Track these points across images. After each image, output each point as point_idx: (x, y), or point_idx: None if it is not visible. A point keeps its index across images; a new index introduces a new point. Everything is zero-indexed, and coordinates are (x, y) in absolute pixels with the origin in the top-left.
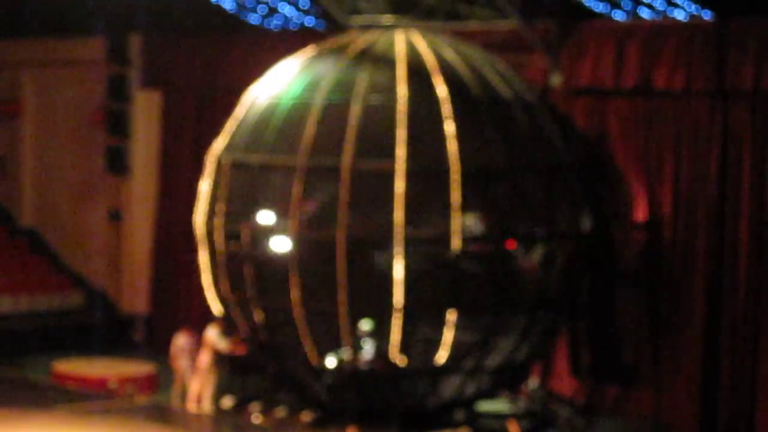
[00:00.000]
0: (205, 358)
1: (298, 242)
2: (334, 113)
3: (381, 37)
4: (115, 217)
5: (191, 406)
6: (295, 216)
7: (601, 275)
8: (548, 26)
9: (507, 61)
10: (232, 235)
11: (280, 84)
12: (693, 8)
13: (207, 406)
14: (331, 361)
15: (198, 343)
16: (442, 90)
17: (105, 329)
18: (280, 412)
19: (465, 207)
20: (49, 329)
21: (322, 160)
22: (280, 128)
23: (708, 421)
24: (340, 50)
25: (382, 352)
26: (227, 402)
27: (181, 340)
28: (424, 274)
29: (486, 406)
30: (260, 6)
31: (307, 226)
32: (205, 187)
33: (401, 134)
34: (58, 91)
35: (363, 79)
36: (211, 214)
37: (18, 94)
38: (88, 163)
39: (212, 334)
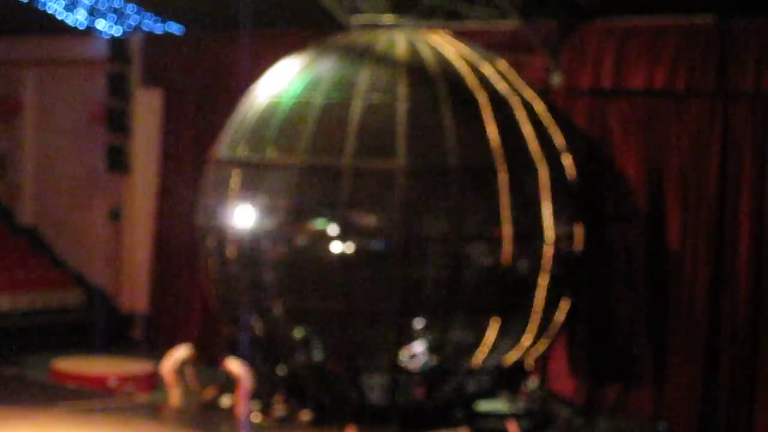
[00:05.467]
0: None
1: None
2: (334, 112)
3: (381, 37)
4: (115, 215)
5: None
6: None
7: (601, 275)
8: (549, 26)
9: (507, 60)
10: (231, 235)
11: (281, 83)
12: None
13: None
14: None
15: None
16: (442, 89)
17: (105, 327)
18: (280, 410)
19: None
20: (48, 327)
21: (322, 158)
22: (280, 127)
23: (708, 421)
24: (340, 49)
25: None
26: (226, 401)
27: (178, 353)
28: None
29: (485, 405)
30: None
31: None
32: (205, 185)
33: (401, 133)
34: (59, 90)
35: (363, 78)
36: (212, 212)
37: (19, 92)
38: (89, 162)
39: (235, 366)
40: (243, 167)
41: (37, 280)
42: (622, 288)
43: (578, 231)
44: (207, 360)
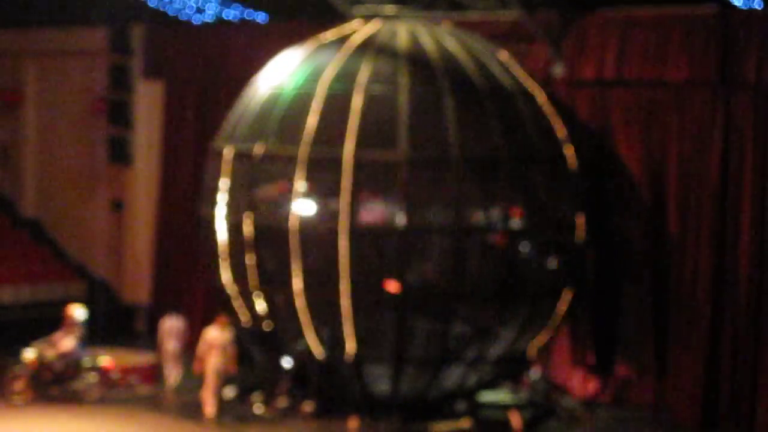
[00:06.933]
0: (214, 360)
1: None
2: (336, 103)
3: (383, 28)
4: (117, 207)
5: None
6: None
7: (603, 265)
8: (551, 17)
9: (509, 51)
10: (233, 225)
11: (283, 74)
12: None
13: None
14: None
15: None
16: (444, 80)
17: (107, 319)
18: (282, 402)
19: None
20: (50, 319)
21: (324, 150)
22: (282, 118)
23: (709, 410)
24: (342, 40)
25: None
26: (229, 392)
27: (168, 323)
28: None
29: (488, 396)
30: None
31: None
32: (207, 177)
33: (403, 124)
34: (61, 81)
35: (365, 69)
36: (213, 204)
37: (20, 84)
38: (91, 153)
39: (217, 333)
40: (244, 159)
41: (38, 272)
42: (624, 278)
43: (580, 221)
44: None
